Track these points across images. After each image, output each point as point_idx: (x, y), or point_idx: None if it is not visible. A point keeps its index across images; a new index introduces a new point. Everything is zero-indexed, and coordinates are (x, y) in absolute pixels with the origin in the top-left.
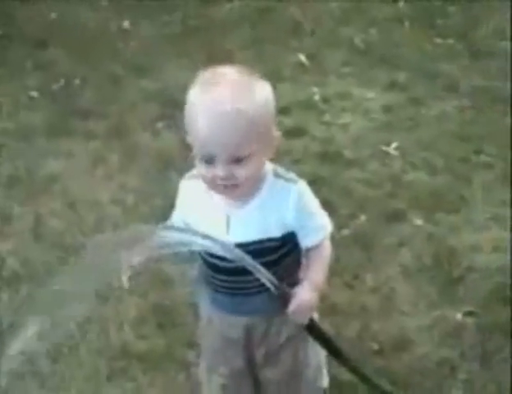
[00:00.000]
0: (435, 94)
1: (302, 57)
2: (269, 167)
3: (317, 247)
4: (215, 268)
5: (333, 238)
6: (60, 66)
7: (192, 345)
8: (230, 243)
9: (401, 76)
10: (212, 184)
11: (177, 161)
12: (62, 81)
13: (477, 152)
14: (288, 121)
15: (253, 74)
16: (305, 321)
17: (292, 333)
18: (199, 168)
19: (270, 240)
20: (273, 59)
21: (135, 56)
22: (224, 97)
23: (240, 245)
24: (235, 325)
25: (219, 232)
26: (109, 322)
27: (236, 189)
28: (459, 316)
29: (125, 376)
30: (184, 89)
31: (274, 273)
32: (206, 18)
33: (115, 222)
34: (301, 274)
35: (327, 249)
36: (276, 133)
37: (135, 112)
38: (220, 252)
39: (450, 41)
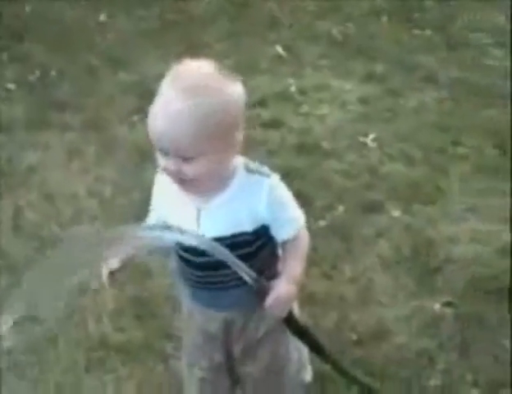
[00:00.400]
0: (413, 86)
1: (279, 49)
2: (240, 161)
3: (292, 239)
4: (190, 264)
5: (310, 229)
6: (36, 58)
7: (170, 336)
8: (205, 236)
9: (379, 68)
10: (168, 176)
11: (154, 153)
12: (38, 73)
13: (455, 143)
14: (265, 113)
15: (225, 72)
16: (283, 314)
17: (271, 328)
18: (158, 159)
19: (242, 234)
20: (250, 51)
21: (112, 48)
22: (178, 95)
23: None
24: (214, 319)
25: (189, 227)
26: (87, 313)
27: (190, 184)
28: (437, 306)
29: (104, 367)
30: (160, 81)
31: (251, 267)
32: (183, 12)
33: (92, 215)
34: (279, 267)
35: (303, 241)
36: (240, 135)
37: (112, 104)
38: (196, 244)
39: (428, 32)
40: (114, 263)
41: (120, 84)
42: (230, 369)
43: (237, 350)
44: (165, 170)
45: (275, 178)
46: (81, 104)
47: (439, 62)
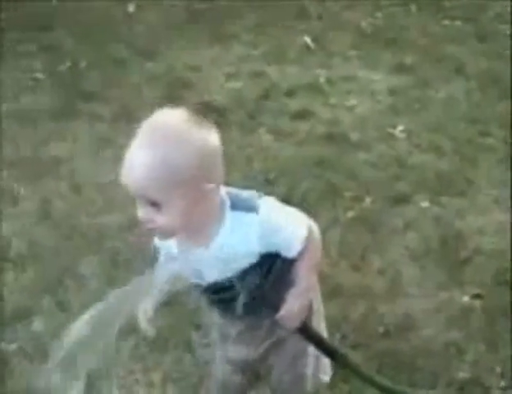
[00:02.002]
0: (442, 77)
1: (308, 40)
2: (226, 200)
3: (301, 252)
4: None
5: (339, 220)
6: (65, 49)
7: (197, 325)
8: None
9: (408, 59)
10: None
11: None
12: (68, 63)
13: (483, 134)
14: (293, 104)
15: (200, 121)
16: (296, 326)
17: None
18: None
19: (248, 267)
20: (279, 42)
21: (140, 39)
22: (146, 143)
23: (216, 283)
24: (235, 321)
25: (191, 276)
26: None
27: (169, 235)
28: (465, 298)
29: (132, 356)
30: (188, 70)
31: (267, 279)
32: (211, 2)
33: (120, 204)
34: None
35: (312, 249)
36: (209, 186)
37: (140, 94)
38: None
39: (458, 23)
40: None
41: (148, 74)
42: (247, 369)
43: (261, 348)
44: (141, 220)
45: (264, 208)
46: (110, 94)
47: (468, 53)
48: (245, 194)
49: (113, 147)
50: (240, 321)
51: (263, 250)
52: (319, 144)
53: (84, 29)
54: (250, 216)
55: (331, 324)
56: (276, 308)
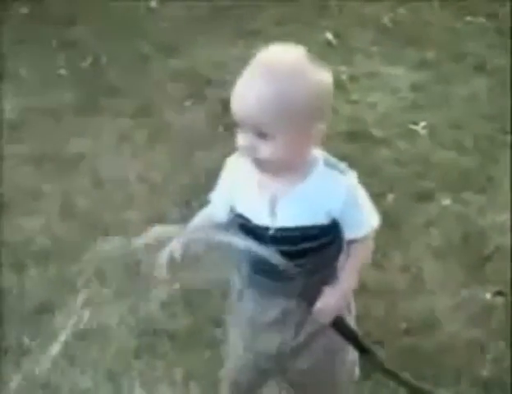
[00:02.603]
0: (464, 73)
1: (329, 36)
2: (320, 154)
3: (358, 243)
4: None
5: None
6: (87, 45)
7: (219, 323)
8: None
9: (430, 55)
10: (244, 155)
11: (204, 139)
12: (90, 59)
13: (505, 131)
14: None
15: (314, 59)
16: (329, 321)
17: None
18: (237, 137)
19: (314, 227)
20: (301, 38)
21: (163, 35)
22: (264, 78)
23: (283, 229)
24: (272, 307)
25: (263, 215)
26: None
27: (265, 166)
28: (487, 296)
29: (154, 353)
30: (212, 67)
31: (312, 260)
32: None
33: (142, 200)
34: (339, 264)
35: (367, 249)
36: (322, 126)
37: (163, 90)
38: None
39: (481, 19)
40: (176, 251)
41: (171, 70)
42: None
43: (292, 342)
44: (242, 147)
45: (353, 176)
46: (132, 90)
47: (490, 50)
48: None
49: (135, 143)
50: (276, 306)
51: (340, 215)
52: (341, 141)
53: (107, 24)
54: (340, 176)
55: (354, 321)
56: (313, 299)
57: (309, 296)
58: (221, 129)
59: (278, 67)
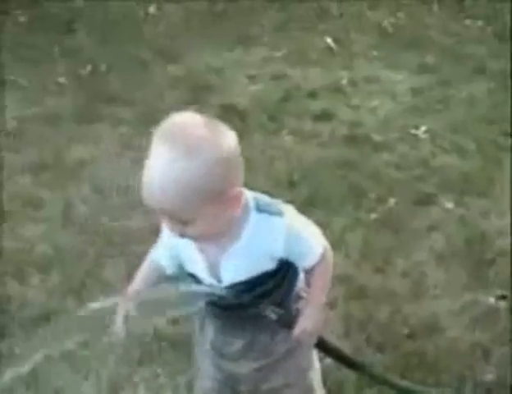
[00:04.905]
0: (464, 77)
1: (329, 41)
2: (251, 201)
3: (315, 266)
4: (216, 306)
5: (362, 222)
6: (87, 52)
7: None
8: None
9: (430, 59)
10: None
11: None
12: (89, 67)
13: (506, 134)
14: (315, 105)
15: (215, 124)
16: (312, 342)
17: (294, 344)
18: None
19: (264, 274)
20: (300, 43)
21: (162, 41)
22: (162, 166)
23: (233, 285)
24: (235, 342)
25: (208, 277)
26: None
27: (199, 240)
28: (491, 300)
29: (157, 360)
30: (210, 73)
31: (277, 292)
32: (233, 4)
33: (144, 208)
34: (304, 287)
35: (326, 264)
36: (236, 190)
37: (162, 97)
38: (217, 294)
39: (480, 23)
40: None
41: (170, 77)
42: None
43: (258, 366)
44: (170, 231)
45: (288, 214)
46: (132, 97)
47: (490, 53)
48: (268, 198)
49: (136, 149)
50: (240, 338)
51: (284, 255)
52: (342, 146)
53: (105, 31)
54: (275, 219)
55: (356, 325)
56: (289, 326)
57: (284, 322)
58: None
59: (180, 151)
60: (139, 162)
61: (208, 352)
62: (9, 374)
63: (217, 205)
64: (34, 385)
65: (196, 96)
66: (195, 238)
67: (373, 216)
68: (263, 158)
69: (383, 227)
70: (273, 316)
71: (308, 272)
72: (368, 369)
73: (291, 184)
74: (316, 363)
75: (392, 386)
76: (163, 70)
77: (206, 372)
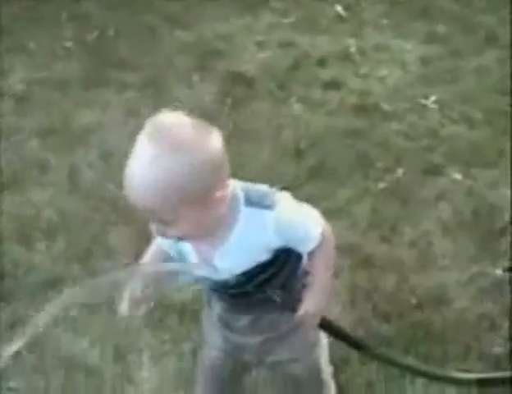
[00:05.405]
0: (474, 47)
1: (339, 8)
2: (240, 195)
3: (315, 248)
4: (221, 293)
5: (370, 191)
6: (94, 18)
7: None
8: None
9: (440, 28)
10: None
11: (212, 113)
12: (96, 32)
13: None
14: (324, 73)
15: (200, 125)
16: (315, 324)
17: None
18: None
19: (261, 264)
20: (310, 10)
21: (170, 7)
22: (145, 163)
23: (231, 278)
24: (239, 318)
25: (206, 272)
26: None
27: (184, 239)
28: (499, 271)
29: (162, 327)
30: (219, 39)
31: (279, 278)
32: None
33: None
34: (306, 269)
35: (327, 246)
36: (219, 193)
37: (171, 63)
38: (215, 277)
39: None
40: (137, 291)
41: (178, 43)
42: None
43: (263, 339)
44: (152, 231)
45: (280, 203)
46: (139, 63)
47: (500, 22)
48: (261, 190)
49: (143, 115)
50: (247, 315)
51: (280, 244)
52: (350, 115)
53: None
54: (265, 213)
55: (362, 295)
56: (293, 308)
57: (288, 304)
58: (229, 101)
59: (163, 151)
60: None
61: (216, 324)
62: (16, 340)
63: (199, 207)
64: (40, 350)
65: (204, 62)
66: (178, 239)
67: (381, 185)
68: (271, 126)
69: (391, 197)
70: (277, 299)
71: (310, 254)
72: (371, 349)
73: (298, 152)
74: (323, 339)
75: (396, 365)
76: (171, 35)
77: (213, 342)
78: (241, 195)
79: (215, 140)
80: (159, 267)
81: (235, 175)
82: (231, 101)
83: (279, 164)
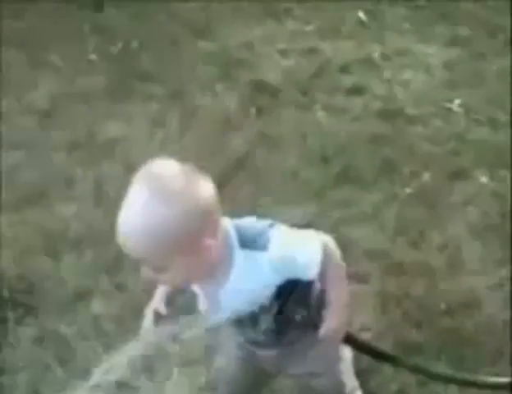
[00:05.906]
0: (496, 49)
1: (361, 14)
2: (234, 236)
3: (322, 271)
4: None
5: (397, 196)
6: (117, 29)
7: None
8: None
9: (463, 31)
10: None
11: (237, 122)
12: (120, 44)
13: None
14: (348, 79)
15: (192, 172)
16: (339, 340)
17: None
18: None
19: (266, 298)
20: (332, 16)
21: (193, 17)
22: (137, 210)
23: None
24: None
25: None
26: None
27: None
28: None
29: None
30: (241, 48)
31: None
32: None
33: None
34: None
35: (333, 267)
36: (209, 241)
37: (194, 73)
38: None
39: None
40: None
41: (202, 53)
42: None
43: (281, 351)
44: (143, 276)
45: (273, 242)
46: (163, 74)
47: None
48: (255, 227)
49: (167, 127)
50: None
51: (281, 280)
52: (375, 120)
53: (136, 7)
54: (260, 254)
55: (392, 301)
56: (315, 325)
57: (309, 323)
58: (253, 110)
59: (154, 200)
60: (170, 138)
61: (232, 330)
62: None
63: (189, 255)
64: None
65: (227, 72)
66: (173, 285)
67: (408, 190)
68: (296, 133)
69: (418, 202)
70: (297, 317)
71: (318, 275)
72: (397, 360)
73: (324, 159)
74: (347, 353)
75: (425, 373)
76: (194, 46)
77: (227, 348)
78: (234, 236)
79: (206, 189)
80: (166, 331)
81: (262, 185)
82: (256, 110)
83: (305, 171)
